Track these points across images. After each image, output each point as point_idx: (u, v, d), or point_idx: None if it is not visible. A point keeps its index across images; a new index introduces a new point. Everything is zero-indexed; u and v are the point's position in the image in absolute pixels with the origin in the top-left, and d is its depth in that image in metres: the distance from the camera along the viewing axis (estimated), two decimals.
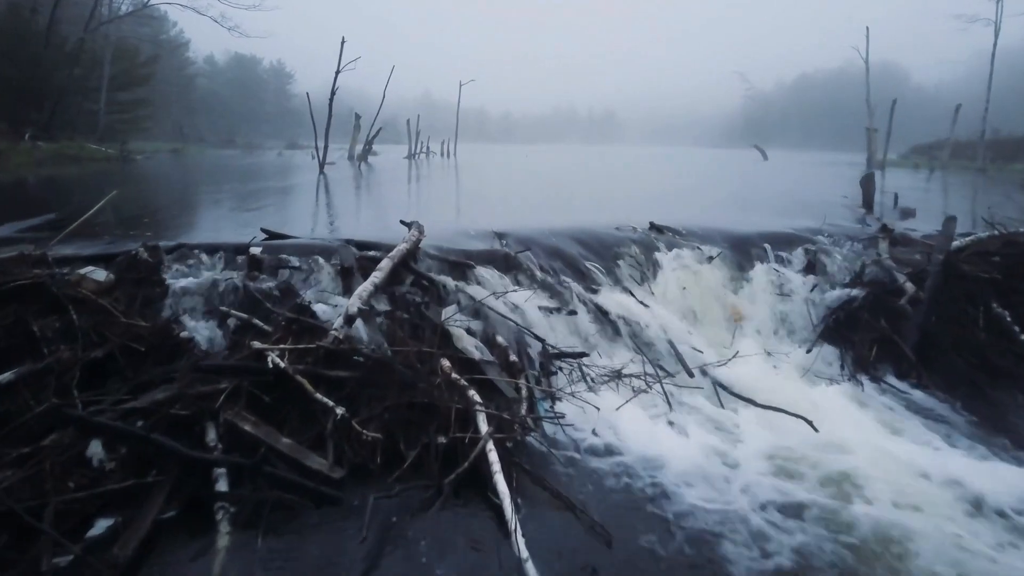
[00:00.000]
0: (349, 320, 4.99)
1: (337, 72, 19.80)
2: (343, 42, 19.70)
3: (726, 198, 13.77)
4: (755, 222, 8.98)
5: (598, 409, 5.10)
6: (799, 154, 59.59)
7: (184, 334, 4.85)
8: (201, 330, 4.99)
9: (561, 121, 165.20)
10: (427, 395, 4.54)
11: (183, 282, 5.36)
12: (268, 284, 5.56)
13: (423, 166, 27.34)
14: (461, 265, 6.37)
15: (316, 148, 20.03)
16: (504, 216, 8.85)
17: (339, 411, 4.20)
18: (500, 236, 7.33)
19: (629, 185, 17.23)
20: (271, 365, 4.40)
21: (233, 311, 5.17)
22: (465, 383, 4.74)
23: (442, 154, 41.03)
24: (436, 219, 8.64)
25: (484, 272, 6.39)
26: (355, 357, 4.80)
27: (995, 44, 35.62)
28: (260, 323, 5.09)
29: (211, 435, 4.04)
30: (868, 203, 11.52)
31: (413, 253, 6.27)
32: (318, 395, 4.30)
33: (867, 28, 38.55)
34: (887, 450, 4.83)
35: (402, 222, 6.83)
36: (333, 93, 19.87)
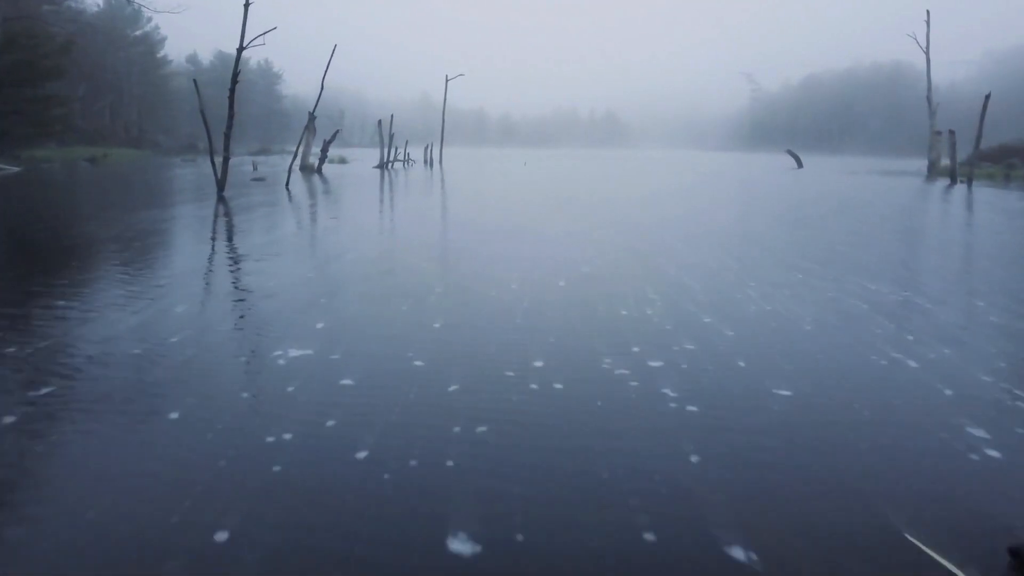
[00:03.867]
0: None
1: (240, 49, 13.18)
2: (247, 4, 13.08)
3: (920, 266, 7.23)
4: None
5: None
6: (827, 160, 53.05)
7: None
8: None
9: (562, 123, 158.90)
10: None
11: None
12: None
13: (394, 181, 20.87)
14: None
15: (212, 160, 13.45)
16: (444, 412, 2.56)
17: None
18: None
19: (694, 225, 10.65)
20: None
21: None
22: None
23: (425, 162, 34.51)
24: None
25: None
26: None
27: None
28: None
29: None
30: None
31: None
32: None
33: (927, 12, 32.03)
34: None
35: None
36: (235, 81, 13.23)
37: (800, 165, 38.13)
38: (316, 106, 17.46)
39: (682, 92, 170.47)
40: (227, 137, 13.25)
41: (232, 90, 13.12)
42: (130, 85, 55.61)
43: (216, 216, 10.04)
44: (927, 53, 32.43)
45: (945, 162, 31.97)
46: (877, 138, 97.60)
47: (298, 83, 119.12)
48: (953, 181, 24.45)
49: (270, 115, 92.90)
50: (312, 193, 14.81)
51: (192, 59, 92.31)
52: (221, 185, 13.20)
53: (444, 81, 37.12)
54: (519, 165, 37.12)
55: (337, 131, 24.85)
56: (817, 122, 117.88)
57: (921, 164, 41.91)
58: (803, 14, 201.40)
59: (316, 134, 24.99)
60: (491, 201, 14.18)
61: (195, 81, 13.54)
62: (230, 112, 13.25)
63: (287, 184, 15.75)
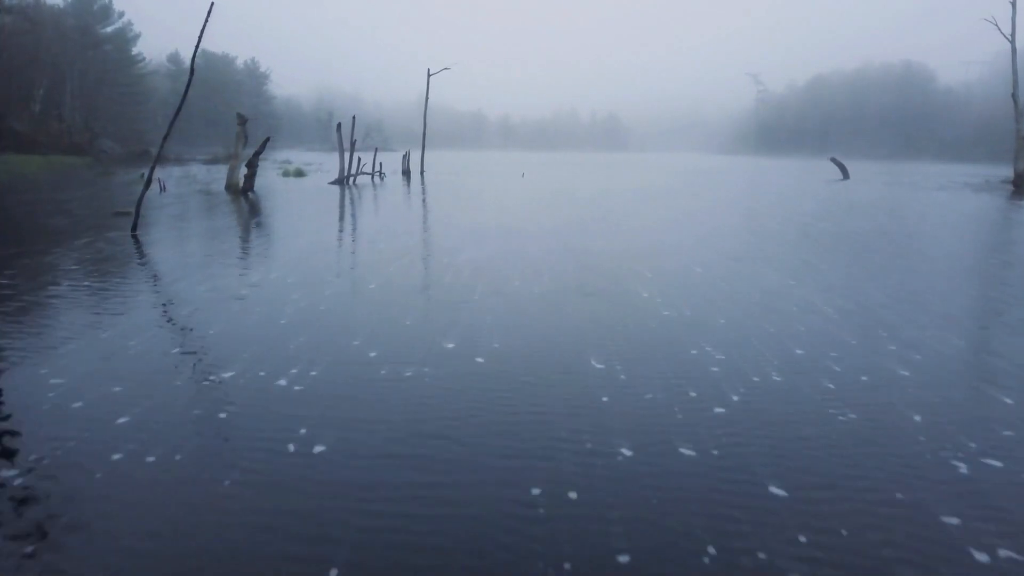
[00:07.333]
0: None
1: None
2: None
3: None
4: None
5: None
6: (859, 166, 46.75)
7: None
8: None
9: (562, 125, 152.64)
10: None
11: None
12: None
13: (347, 207, 14.79)
14: None
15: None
16: None
17: None
18: None
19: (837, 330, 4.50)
20: None
21: None
22: None
23: (403, 173, 28.29)
24: None
25: None
26: None
27: None
28: None
29: None
30: None
31: None
32: None
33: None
34: None
35: None
36: None
37: (846, 175, 31.99)
38: (185, 97, 11.33)
39: (685, 93, 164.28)
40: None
41: None
42: (83, 84, 49.27)
43: None
44: (1012, 41, 26.13)
45: None
46: (898, 141, 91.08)
47: (291, 84, 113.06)
48: None
49: (259, 117, 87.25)
50: (177, 253, 8.59)
51: (173, 58, 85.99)
52: None
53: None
54: (517, 176, 30.94)
55: (267, 139, 18.70)
56: (826, 124, 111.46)
57: (986, 172, 35.52)
58: (809, 14, 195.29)
59: (248, 142, 18.81)
60: (476, 261, 7.78)
61: None
62: None
63: (134, 228, 9.56)
